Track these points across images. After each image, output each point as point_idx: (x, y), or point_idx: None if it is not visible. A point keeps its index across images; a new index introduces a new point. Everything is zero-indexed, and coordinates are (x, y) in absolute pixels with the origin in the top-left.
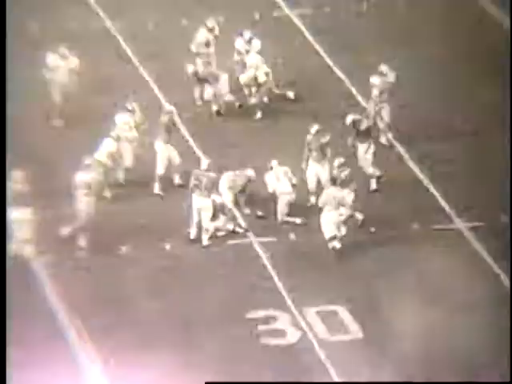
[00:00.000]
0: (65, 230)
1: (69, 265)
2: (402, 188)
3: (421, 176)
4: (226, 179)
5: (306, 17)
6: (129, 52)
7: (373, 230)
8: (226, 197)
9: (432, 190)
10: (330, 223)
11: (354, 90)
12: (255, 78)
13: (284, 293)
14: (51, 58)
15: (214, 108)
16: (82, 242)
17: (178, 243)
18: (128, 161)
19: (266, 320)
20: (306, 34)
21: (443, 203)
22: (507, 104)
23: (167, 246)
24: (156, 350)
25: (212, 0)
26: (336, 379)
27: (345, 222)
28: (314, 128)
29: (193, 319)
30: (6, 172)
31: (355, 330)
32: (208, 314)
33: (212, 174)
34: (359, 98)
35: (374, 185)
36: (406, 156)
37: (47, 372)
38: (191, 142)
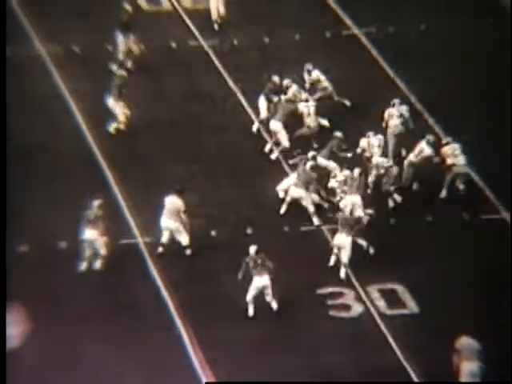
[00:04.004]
0: None
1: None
2: None
3: None
4: None
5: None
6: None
7: None
8: None
9: None
10: None
11: (413, 98)
12: None
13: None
14: None
15: None
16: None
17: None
18: None
19: (334, 296)
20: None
21: None
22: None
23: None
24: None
25: (289, 19)
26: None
27: None
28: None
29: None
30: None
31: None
32: (285, 290)
33: None
34: (419, 106)
35: None
36: None
37: (148, 336)
38: None
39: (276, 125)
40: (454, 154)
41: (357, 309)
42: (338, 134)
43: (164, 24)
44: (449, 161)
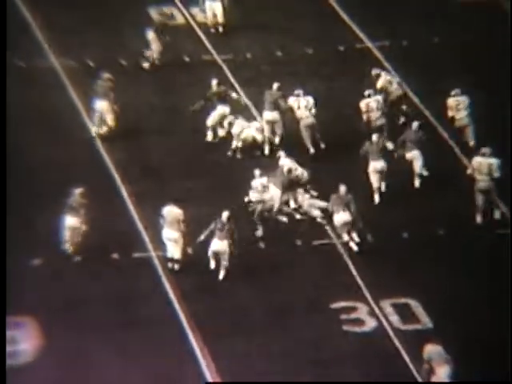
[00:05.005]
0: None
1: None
2: None
3: None
4: None
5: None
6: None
7: None
8: None
9: None
10: None
11: (427, 113)
12: None
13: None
14: None
15: None
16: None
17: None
18: None
19: (347, 310)
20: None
21: None
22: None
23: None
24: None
25: (302, 33)
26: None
27: None
28: None
29: (285, 308)
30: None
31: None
32: (298, 304)
33: None
34: (431, 119)
35: None
36: None
37: (161, 350)
38: None
39: (272, 115)
40: (457, 107)
41: (370, 323)
42: (416, 123)
43: (177, 38)
44: (450, 113)
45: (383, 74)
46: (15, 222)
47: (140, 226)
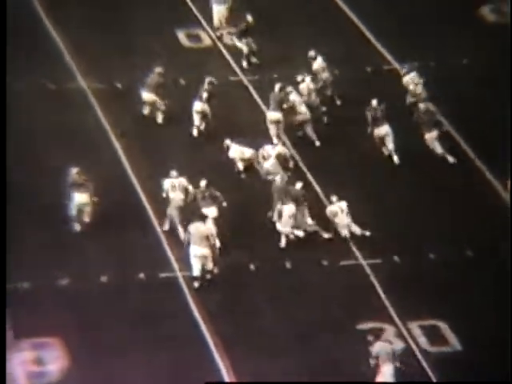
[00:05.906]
0: None
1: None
2: None
3: None
4: None
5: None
6: None
7: None
8: None
9: None
10: None
11: (454, 134)
12: None
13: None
14: None
15: None
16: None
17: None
18: None
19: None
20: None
21: None
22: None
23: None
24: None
25: (329, 54)
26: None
27: None
28: None
29: (311, 329)
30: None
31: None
32: (324, 324)
33: None
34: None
35: None
36: None
37: (187, 370)
38: None
39: (276, 115)
40: (414, 82)
41: (398, 345)
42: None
43: (204, 59)
44: (411, 88)
45: (319, 58)
46: (42, 242)
47: (166, 245)
